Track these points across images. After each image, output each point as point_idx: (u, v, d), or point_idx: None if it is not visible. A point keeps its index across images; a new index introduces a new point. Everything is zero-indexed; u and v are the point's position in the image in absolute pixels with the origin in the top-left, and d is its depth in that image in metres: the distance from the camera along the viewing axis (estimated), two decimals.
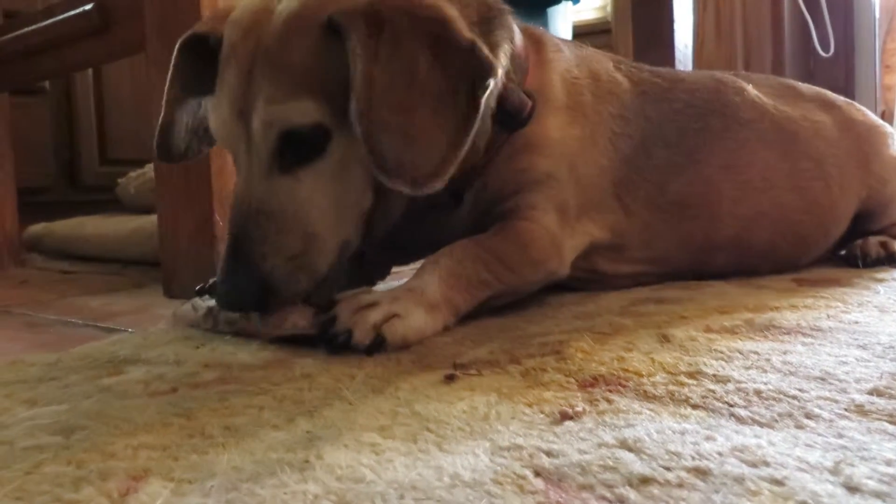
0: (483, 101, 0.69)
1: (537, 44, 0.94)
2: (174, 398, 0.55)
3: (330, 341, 0.67)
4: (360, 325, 0.67)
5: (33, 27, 1.39)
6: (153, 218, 1.28)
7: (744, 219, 1.05)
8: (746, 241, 1.06)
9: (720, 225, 1.04)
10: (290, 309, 0.71)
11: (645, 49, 2.07)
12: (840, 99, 1.28)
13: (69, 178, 2.48)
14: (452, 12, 0.72)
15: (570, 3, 2.28)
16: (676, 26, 2.02)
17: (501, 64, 0.79)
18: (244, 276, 0.68)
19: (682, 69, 1.14)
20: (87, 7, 1.24)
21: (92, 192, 2.41)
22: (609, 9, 3.83)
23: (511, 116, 0.84)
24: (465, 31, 0.70)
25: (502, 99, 0.83)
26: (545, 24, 2.18)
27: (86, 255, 1.74)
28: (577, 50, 1.00)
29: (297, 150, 0.70)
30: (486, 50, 0.70)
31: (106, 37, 1.25)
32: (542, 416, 0.49)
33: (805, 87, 1.26)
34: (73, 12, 1.28)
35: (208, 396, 0.55)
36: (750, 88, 1.12)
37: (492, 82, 0.70)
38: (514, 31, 0.88)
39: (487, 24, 0.81)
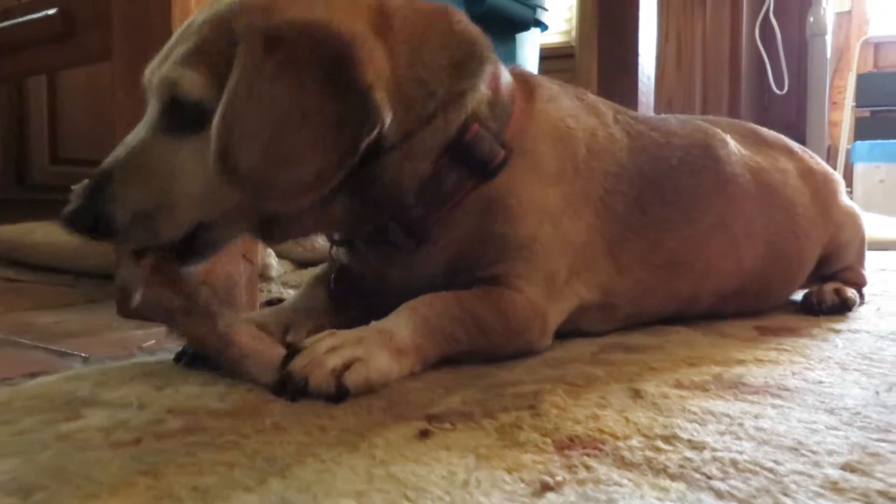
0: (362, 145, 0.70)
1: (529, 92, 0.91)
2: (138, 451, 0.53)
3: (287, 388, 0.66)
4: (315, 372, 0.66)
5: None
6: None
7: (727, 273, 1.07)
8: (723, 293, 1.08)
9: (706, 280, 1.05)
10: (255, 352, 0.70)
11: (610, 77, 2.09)
12: (797, 145, 1.31)
13: (17, 175, 2.39)
14: (363, 54, 0.70)
15: (538, 29, 2.30)
16: (641, 57, 2.05)
17: (450, 122, 0.79)
18: (90, 205, 0.71)
19: (671, 118, 1.12)
20: (51, 12, 1.20)
21: (41, 192, 2.32)
22: (574, 34, 3.89)
23: (479, 163, 0.81)
24: (368, 74, 0.70)
25: (471, 145, 0.80)
26: (514, 49, 2.19)
27: (34, 263, 1.68)
28: (576, 101, 0.96)
29: (187, 119, 0.72)
30: (378, 99, 0.70)
31: (69, 43, 1.21)
32: (522, 485, 0.48)
33: (766, 132, 1.28)
34: (35, 15, 1.23)
35: (174, 449, 0.53)
36: (730, 140, 1.12)
37: (376, 132, 0.71)
38: (500, 77, 0.86)
39: (458, 70, 0.80)
